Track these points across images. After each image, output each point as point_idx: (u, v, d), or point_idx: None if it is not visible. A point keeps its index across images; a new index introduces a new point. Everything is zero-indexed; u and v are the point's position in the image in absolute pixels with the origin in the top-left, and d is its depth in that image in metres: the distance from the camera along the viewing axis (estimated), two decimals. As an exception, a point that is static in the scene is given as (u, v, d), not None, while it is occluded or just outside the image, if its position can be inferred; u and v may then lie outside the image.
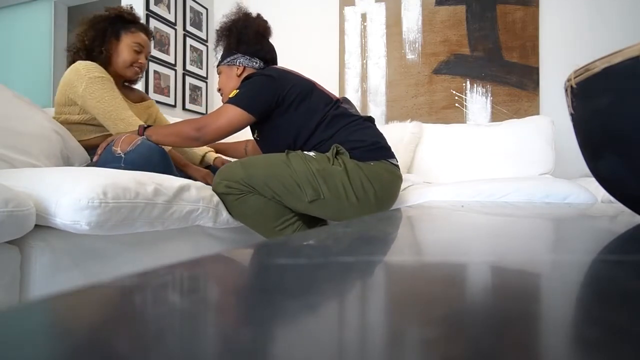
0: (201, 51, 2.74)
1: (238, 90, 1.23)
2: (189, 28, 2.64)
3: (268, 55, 1.38)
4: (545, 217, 0.56)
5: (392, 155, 1.25)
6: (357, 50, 2.59)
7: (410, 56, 2.48)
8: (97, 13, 1.43)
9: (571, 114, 0.42)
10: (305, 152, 1.17)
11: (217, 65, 1.40)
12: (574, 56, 2.17)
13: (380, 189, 1.16)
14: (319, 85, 1.31)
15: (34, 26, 3.72)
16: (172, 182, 1.01)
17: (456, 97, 2.38)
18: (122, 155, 1.13)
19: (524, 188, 1.28)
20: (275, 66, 1.34)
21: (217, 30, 1.38)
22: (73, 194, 0.79)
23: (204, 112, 2.75)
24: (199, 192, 1.07)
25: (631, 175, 0.36)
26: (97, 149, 1.32)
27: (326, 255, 0.25)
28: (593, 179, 0.45)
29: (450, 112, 2.39)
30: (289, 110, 1.22)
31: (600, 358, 0.10)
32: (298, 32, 2.70)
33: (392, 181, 1.21)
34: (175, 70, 2.51)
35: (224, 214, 1.16)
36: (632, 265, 0.22)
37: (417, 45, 2.46)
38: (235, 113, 1.18)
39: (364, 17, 2.58)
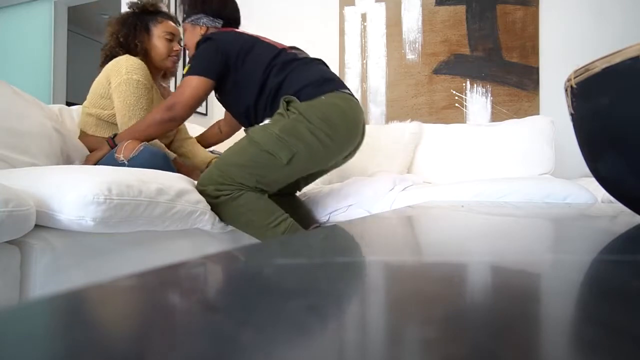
0: (201, 51, 2.74)
1: (190, 64, 1.29)
2: (189, 28, 2.63)
3: (231, 15, 1.43)
4: (545, 217, 0.56)
5: (344, 87, 1.26)
6: (357, 50, 2.59)
7: (410, 56, 2.48)
8: (122, 12, 1.51)
9: (571, 114, 0.42)
10: (261, 124, 1.20)
11: (182, 23, 1.46)
12: (574, 56, 2.17)
13: (342, 119, 1.17)
14: (264, 38, 1.35)
15: (34, 26, 3.72)
16: (174, 182, 1.02)
17: (456, 97, 2.38)
18: (126, 162, 1.14)
19: (523, 188, 1.28)
20: (221, 29, 1.39)
21: None
22: (79, 189, 0.80)
23: (204, 112, 2.75)
24: (199, 194, 1.09)
25: (631, 175, 0.36)
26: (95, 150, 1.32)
27: (326, 255, 0.25)
28: (593, 179, 0.45)
29: (450, 112, 2.39)
30: (237, 66, 1.26)
31: (600, 358, 0.10)
32: (298, 32, 2.69)
33: (350, 108, 1.21)
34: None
35: None
36: (632, 265, 0.22)
37: (417, 45, 2.46)
38: (198, 82, 1.24)
39: (364, 17, 2.58)
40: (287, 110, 1.16)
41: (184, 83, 1.25)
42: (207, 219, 1.10)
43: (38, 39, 3.68)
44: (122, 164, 1.14)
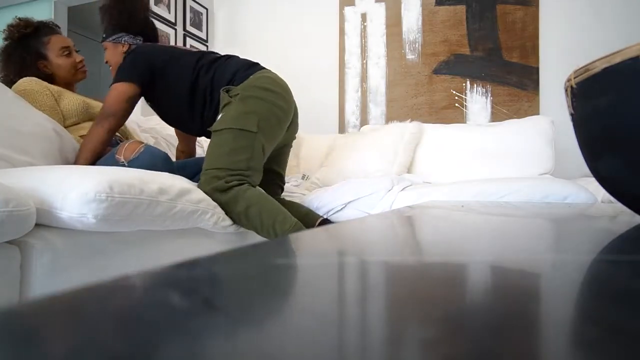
0: (201, 51, 2.74)
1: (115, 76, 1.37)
2: (189, 28, 2.64)
3: (151, 33, 1.53)
4: (545, 217, 0.56)
5: (265, 68, 1.39)
6: (357, 50, 2.59)
7: (410, 56, 2.48)
8: (2, 50, 1.46)
9: (571, 114, 0.42)
10: (216, 122, 1.28)
11: (103, 42, 1.51)
12: (574, 56, 2.17)
13: (275, 85, 1.32)
14: (183, 47, 1.46)
15: (34, 26, 3.72)
16: (175, 182, 1.03)
17: (456, 97, 2.39)
18: (126, 164, 1.15)
19: (523, 188, 1.28)
20: (143, 43, 1.48)
21: (105, 8, 1.48)
22: (80, 187, 0.80)
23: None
24: (200, 194, 1.09)
25: (631, 175, 0.36)
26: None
27: (326, 256, 0.25)
28: (593, 179, 0.45)
29: (450, 112, 2.39)
30: (164, 72, 1.35)
31: (600, 358, 0.10)
32: (298, 32, 2.70)
33: (276, 77, 1.36)
34: (175, 70, 2.51)
35: (223, 216, 1.16)
36: (632, 265, 0.22)
37: (417, 45, 2.47)
38: (121, 87, 1.32)
39: (364, 17, 2.58)
40: (230, 97, 1.27)
41: (109, 92, 1.33)
42: (208, 218, 1.10)
43: (38, 39, 3.68)
44: (122, 165, 1.15)
